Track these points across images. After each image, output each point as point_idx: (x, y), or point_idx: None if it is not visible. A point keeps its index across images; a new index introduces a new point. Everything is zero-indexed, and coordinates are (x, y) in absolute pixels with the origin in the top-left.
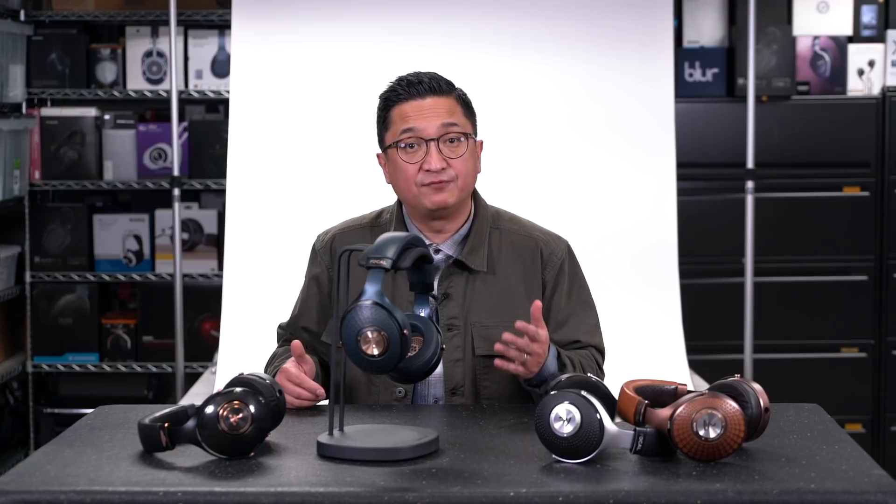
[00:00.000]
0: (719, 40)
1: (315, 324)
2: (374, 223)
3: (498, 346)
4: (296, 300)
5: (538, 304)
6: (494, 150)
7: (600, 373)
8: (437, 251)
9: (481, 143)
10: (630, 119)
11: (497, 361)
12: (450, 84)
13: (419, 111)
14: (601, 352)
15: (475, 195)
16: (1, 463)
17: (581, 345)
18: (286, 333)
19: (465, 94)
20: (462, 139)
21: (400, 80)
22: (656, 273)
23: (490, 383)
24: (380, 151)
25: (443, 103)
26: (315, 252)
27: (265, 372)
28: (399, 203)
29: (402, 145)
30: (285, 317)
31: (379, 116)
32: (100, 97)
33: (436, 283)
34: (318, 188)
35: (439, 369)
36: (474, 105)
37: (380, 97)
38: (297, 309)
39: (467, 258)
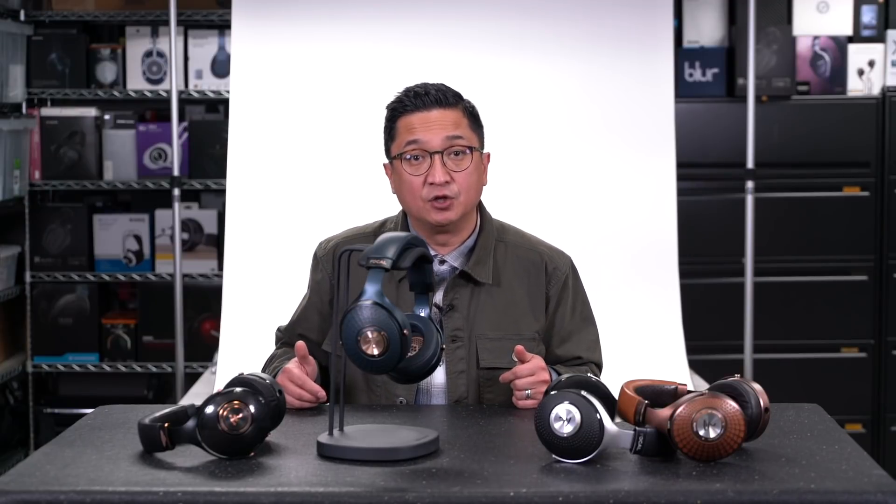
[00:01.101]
0: (719, 40)
1: (315, 332)
2: (378, 232)
3: (505, 379)
4: (297, 305)
5: (520, 348)
6: (494, 150)
7: None
8: (443, 262)
9: (488, 155)
10: (630, 119)
11: (516, 403)
12: (457, 96)
13: (425, 123)
14: (599, 367)
15: (480, 207)
16: (1, 463)
17: (582, 361)
18: (285, 337)
19: (472, 107)
20: (467, 152)
21: (407, 91)
22: (656, 273)
23: (493, 395)
24: (386, 161)
25: (449, 116)
26: (317, 259)
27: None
28: (404, 213)
29: (407, 157)
30: (285, 318)
31: (385, 127)
32: (100, 97)
33: (441, 295)
34: (318, 188)
35: (442, 380)
36: (475, 105)
37: (386, 108)
38: (297, 315)
39: (473, 270)
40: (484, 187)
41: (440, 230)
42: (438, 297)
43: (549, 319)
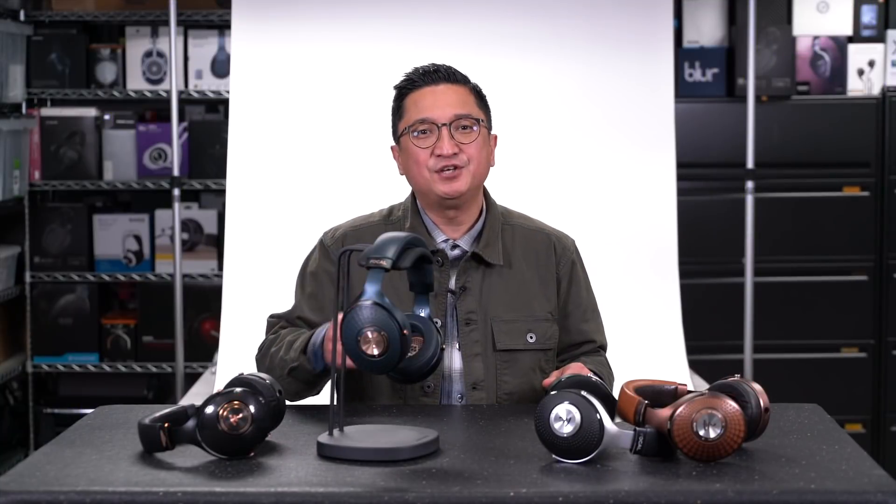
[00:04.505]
0: (719, 40)
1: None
2: (387, 220)
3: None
4: (295, 291)
5: (547, 382)
6: (496, 149)
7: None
8: (455, 246)
9: (495, 137)
10: (630, 120)
11: None
12: (465, 76)
13: (433, 98)
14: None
15: (485, 192)
16: (1, 463)
17: (596, 345)
18: (282, 322)
19: (479, 88)
20: (474, 127)
21: (416, 69)
22: (657, 273)
23: (510, 377)
24: (393, 144)
25: (456, 91)
26: (326, 248)
27: (271, 354)
28: (413, 197)
29: (415, 132)
30: (279, 310)
31: (393, 107)
32: (100, 97)
33: (454, 279)
34: (318, 188)
35: (458, 364)
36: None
37: (395, 87)
38: (297, 300)
39: (483, 251)
40: (491, 168)
41: (449, 205)
42: (451, 281)
43: (562, 299)
